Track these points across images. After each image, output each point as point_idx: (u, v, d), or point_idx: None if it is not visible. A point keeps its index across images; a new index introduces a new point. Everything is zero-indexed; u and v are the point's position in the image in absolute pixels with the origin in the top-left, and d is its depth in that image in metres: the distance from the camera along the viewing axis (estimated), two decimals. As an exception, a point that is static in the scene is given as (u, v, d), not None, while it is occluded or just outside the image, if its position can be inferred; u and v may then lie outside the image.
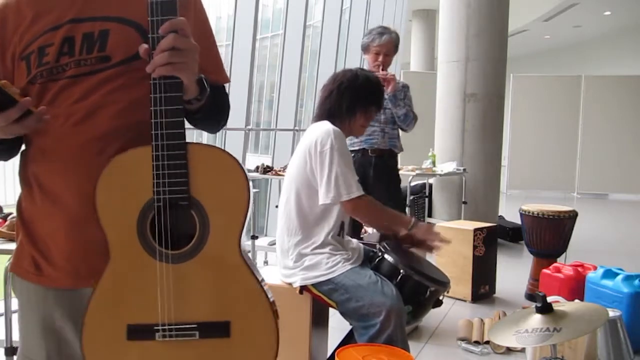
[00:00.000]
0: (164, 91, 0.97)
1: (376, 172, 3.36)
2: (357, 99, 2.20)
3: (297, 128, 6.72)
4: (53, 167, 1.06)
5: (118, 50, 1.06)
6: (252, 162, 6.48)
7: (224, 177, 1.02)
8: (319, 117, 2.22)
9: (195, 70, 0.99)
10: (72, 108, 1.05)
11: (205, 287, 1.03)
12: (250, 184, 1.03)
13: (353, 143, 3.38)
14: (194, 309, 1.02)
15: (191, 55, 0.97)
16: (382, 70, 3.29)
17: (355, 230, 3.02)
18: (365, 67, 3.35)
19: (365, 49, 3.40)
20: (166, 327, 1.01)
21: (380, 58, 3.31)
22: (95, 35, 1.06)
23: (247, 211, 1.02)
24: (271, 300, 1.04)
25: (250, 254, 3.86)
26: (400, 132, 3.51)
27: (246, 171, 1.03)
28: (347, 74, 2.25)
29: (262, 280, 1.06)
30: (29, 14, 1.07)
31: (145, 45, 0.97)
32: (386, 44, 3.31)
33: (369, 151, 3.36)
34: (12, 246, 1.91)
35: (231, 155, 1.01)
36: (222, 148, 1.05)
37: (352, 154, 3.36)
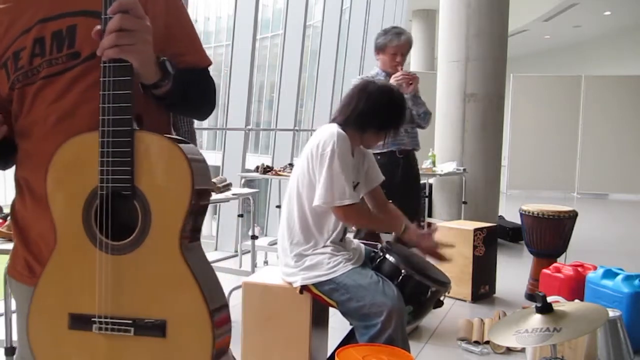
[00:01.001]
0: (112, 75, 0.93)
1: (403, 173, 3.35)
2: (375, 115, 2.14)
3: (297, 128, 6.72)
4: (38, 170, 1.04)
5: (86, 45, 1.02)
6: (252, 162, 6.48)
7: (169, 169, 0.97)
8: (335, 120, 2.19)
9: (147, 53, 0.94)
10: (49, 109, 1.04)
11: (143, 283, 0.98)
12: (196, 177, 0.97)
13: (380, 145, 3.37)
14: (130, 304, 0.98)
15: (140, 36, 0.92)
16: (395, 70, 3.26)
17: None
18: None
19: (382, 49, 3.34)
20: (102, 320, 0.98)
21: (398, 58, 3.29)
22: (64, 32, 1.03)
23: (189, 206, 0.96)
24: (211, 308, 0.97)
25: (250, 254, 3.88)
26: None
27: (192, 164, 0.96)
28: (375, 86, 2.18)
29: (206, 281, 1.00)
30: (5, 21, 1.06)
31: (97, 27, 0.93)
32: (404, 45, 3.28)
33: (397, 152, 3.34)
34: (12, 246, 1.91)
35: (178, 146, 0.96)
36: (173, 137, 1.01)
37: (378, 157, 3.35)
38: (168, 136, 1.00)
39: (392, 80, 3.22)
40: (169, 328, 0.98)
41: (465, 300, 3.78)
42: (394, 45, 3.27)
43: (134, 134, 0.95)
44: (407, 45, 3.32)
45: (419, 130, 3.48)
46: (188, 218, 0.98)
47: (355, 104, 2.15)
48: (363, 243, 2.29)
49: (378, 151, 3.36)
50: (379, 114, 2.14)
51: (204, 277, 1.00)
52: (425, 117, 3.38)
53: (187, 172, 0.96)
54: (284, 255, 2.16)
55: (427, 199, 5.84)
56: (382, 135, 2.20)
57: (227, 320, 1.04)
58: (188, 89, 1.08)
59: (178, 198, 0.96)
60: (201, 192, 1.00)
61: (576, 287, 3.18)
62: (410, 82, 3.23)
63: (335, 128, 2.09)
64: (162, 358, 0.99)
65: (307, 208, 2.10)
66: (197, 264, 1.01)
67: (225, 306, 1.04)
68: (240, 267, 4.57)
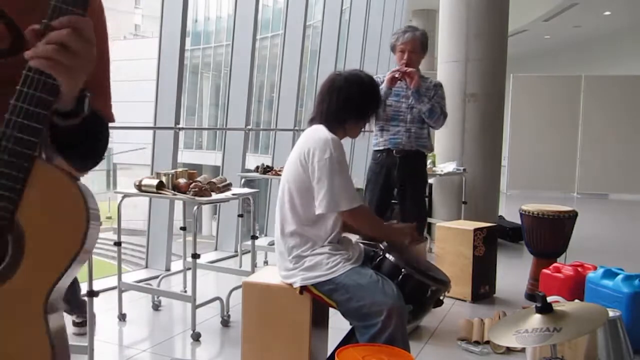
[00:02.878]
0: (34, 88, 0.80)
1: (401, 173, 3.34)
2: (350, 106, 2.16)
3: (297, 128, 6.72)
4: None
5: None
6: (252, 162, 6.48)
7: (61, 211, 0.82)
8: (313, 119, 2.21)
9: (79, 82, 0.84)
10: None
11: None
12: (93, 227, 0.82)
13: (378, 142, 3.38)
14: None
15: (81, 62, 0.81)
16: (407, 67, 3.27)
17: None
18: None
19: (393, 48, 3.40)
20: None
21: (406, 55, 3.30)
22: None
23: (74, 258, 0.81)
24: None
25: (250, 254, 3.88)
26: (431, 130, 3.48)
27: (91, 211, 0.81)
28: (342, 79, 2.19)
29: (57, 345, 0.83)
30: None
31: (36, 26, 0.81)
32: (410, 42, 3.30)
33: (394, 151, 3.34)
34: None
35: (79, 188, 0.82)
36: (74, 177, 0.85)
37: (378, 154, 3.37)
38: (70, 174, 0.85)
39: (388, 77, 3.25)
40: None
41: (465, 300, 3.78)
42: (400, 42, 3.32)
43: (34, 161, 0.80)
44: (414, 43, 3.32)
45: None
46: (63, 275, 0.82)
47: (328, 101, 2.17)
48: (362, 243, 2.29)
49: (377, 148, 3.38)
50: (353, 104, 2.16)
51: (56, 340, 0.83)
52: (432, 116, 3.31)
53: (83, 221, 0.81)
54: (282, 259, 2.16)
55: (427, 199, 5.84)
56: (363, 123, 2.23)
57: None
58: (91, 134, 0.95)
59: (63, 248, 0.81)
60: (86, 251, 0.84)
61: (576, 287, 3.18)
62: (402, 77, 3.23)
63: (326, 133, 2.08)
64: None
65: (302, 212, 2.09)
66: (56, 328, 0.85)
67: None
68: (240, 267, 4.57)
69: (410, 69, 3.25)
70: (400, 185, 3.38)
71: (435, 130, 5.73)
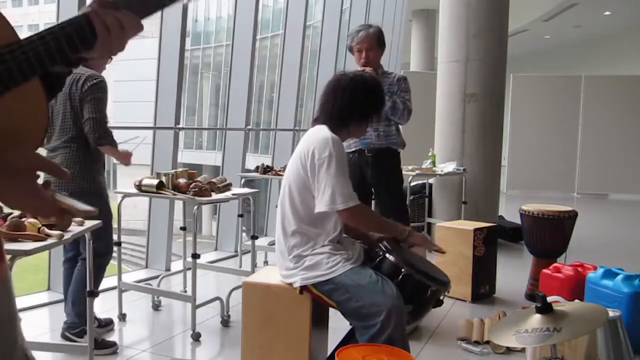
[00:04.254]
0: (76, 30, 0.81)
1: (374, 171, 3.35)
2: (355, 107, 2.16)
3: (297, 128, 6.73)
4: None
5: None
6: (252, 162, 6.49)
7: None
8: (317, 119, 2.21)
9: (101, 63, 0.91)
10: None
11: None
12: None
13: (349, 145, 3.37)
14: None
15: (114, 50, 0.87)
16: (365, 66, 3.25)
17: None
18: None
19: (350, 50, 3.39)
20: None
21: (364, 54, 3.29)
22: None
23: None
24: None
25: (250, 254, 3.88)
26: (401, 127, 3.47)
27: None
28: (347, 79, 2.19)
29: None
30: None
31: None
32: (365, 40, 3.28)
33: (365, 151, 3.35)
34: (12, 246, 1.91)
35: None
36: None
37: (350, 155, 3.36)
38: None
39: None
40: None
41: (465, 300, 3.78)
42: (355, 43, 3.32)
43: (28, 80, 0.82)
44: (369, 40, 3.29)
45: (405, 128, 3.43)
46: None
47: (332, 101, 2.17)
48: (362, 243, 2.29)
49: (348, 150, 3.36)
50: (357, 105, 2.16)
51: None
52: (395, 113, 3.28)
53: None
54: (282, 259, 2.16)
55: (427, 199, 5.84)
56: (365, 125, 2.24)
57: None
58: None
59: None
60: None
61: (576, 287, 3.18)
62: None
63: (327, 132, 2.09)
64: None
65: (302, 211, 2.09)
66: None
67: None
68: (240, 267, 4.57)
69: (368, 68, 3.22)
70: (376, 183, 3.38)
71: (435, 131, 5.80)
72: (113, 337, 3.07)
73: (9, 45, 0.79)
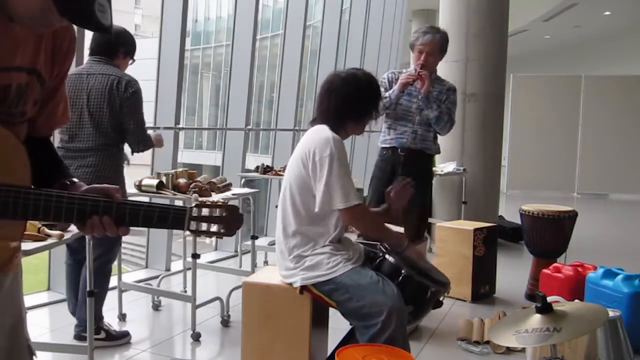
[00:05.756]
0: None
1: (405, 171, 3.34)
2: (349, 106, 2.16)
3: (297, 128, 6.72)
4: None
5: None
6: (252, 162, 6.48)
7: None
8: (315, 120, 2.21)
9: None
10: None
11: None
12: None
13: (385, 140, 3.38)
14: None
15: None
16: (422, 69, 3.23)
17: None
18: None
19: (412, 47, 3.36)
20: None
21: (423, 56, 3.28)
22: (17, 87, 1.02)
23: None
24: None
25: (250, 254, 3.88)
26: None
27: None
28: (339, 79, 2.18)
29: None
30: None
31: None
32: (428, 43, 3.26)
33: (399, 150, 3.34)
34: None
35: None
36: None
37: (384, 151, 3.38)
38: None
39: (401, 81, 3.24)
40: None
41: (465, 300, 3.78)
42: (419, 43, 3.29)
43: None
44: (432, 45, 3.26)
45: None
46: None
47: (327, 102, 2.17)
48: (362, 243, 2.29)
49: (383, 145, 3.39)
50: (352, 104, 2.16)
51: None
52: (438, 123, 3.28)
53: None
54: (282, 259, 2.16)
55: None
56: (363, 123, 2.23)
57: None
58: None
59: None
60: None
61: (576, 287, 3.18)
62: (414, 81, 3.23)
63: (328, 132, 2.08)
64: None
65: (303, 211, 2.09)
66: None
67: None
68: (240, 267, 4.57)
69: (423, 72, 3.21)
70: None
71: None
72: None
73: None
